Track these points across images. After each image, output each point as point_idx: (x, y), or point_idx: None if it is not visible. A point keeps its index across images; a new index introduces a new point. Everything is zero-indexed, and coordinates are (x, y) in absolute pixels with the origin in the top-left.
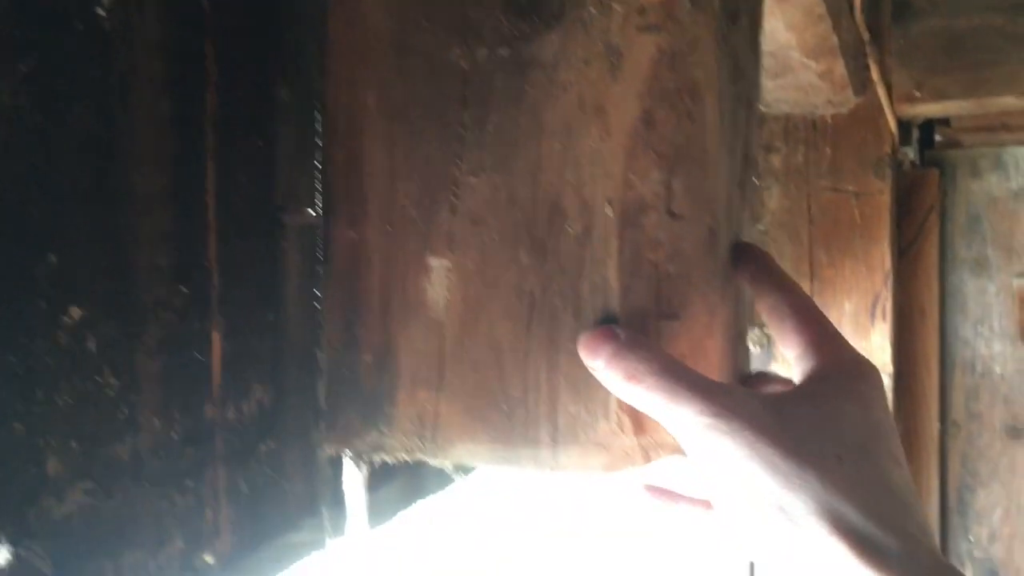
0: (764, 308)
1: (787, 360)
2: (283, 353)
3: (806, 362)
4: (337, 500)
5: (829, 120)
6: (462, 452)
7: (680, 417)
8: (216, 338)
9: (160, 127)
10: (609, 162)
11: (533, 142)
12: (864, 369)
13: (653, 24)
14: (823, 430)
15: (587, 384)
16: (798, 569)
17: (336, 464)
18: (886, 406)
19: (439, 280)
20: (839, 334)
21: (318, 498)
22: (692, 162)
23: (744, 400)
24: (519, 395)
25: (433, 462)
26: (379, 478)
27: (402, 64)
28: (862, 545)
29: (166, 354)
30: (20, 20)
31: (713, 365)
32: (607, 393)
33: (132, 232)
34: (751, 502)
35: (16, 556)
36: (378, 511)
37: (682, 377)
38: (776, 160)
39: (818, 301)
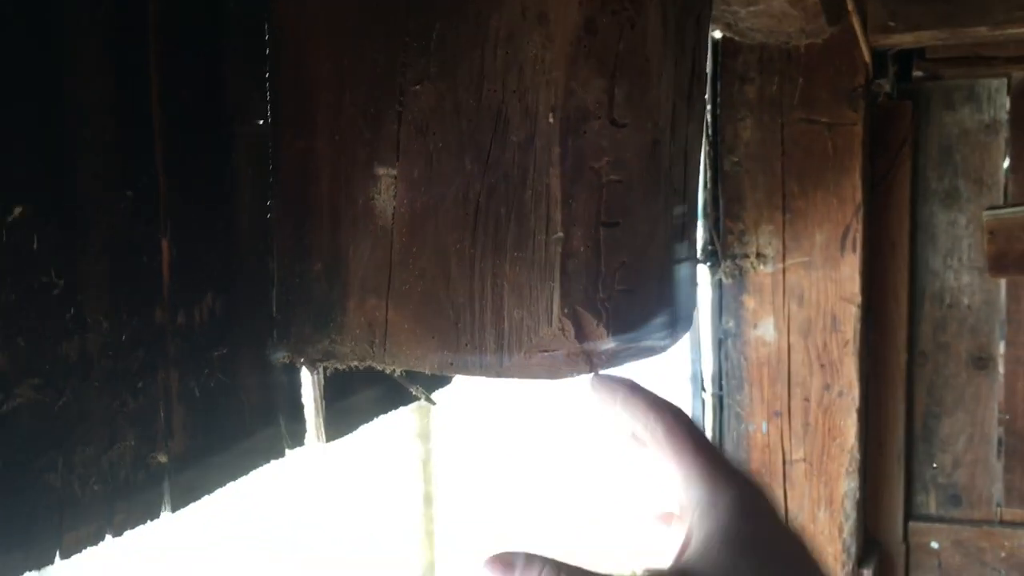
0: (639, 430)
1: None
2: (236, 262)
3: (696, 497)
4: (295, 410)
5: (803, 50)
6: (411, 358)
7: None
8: (165, 245)
9: (99, 37)
10: (552, 70)
11: (477, 50)
12: (759, 493)
13: None
14: None
15: (531, 289)
16: None
17: (292, 373)
18: (775, 519)
19: (386, 189)
20: (722, 459)
21: (275, 407)
22: (634, 71)
23: None
24: (465, 301)
25: (383, 368)
26: (338, 390)
27: None
28: None
29: (111, 257)
30: None
31: (653, 271)
32: (550, 297)
33: (72, 138)
34: None
35: None
36: (337, 424)
37: None
38: (750, 91)
39: (790, 232)
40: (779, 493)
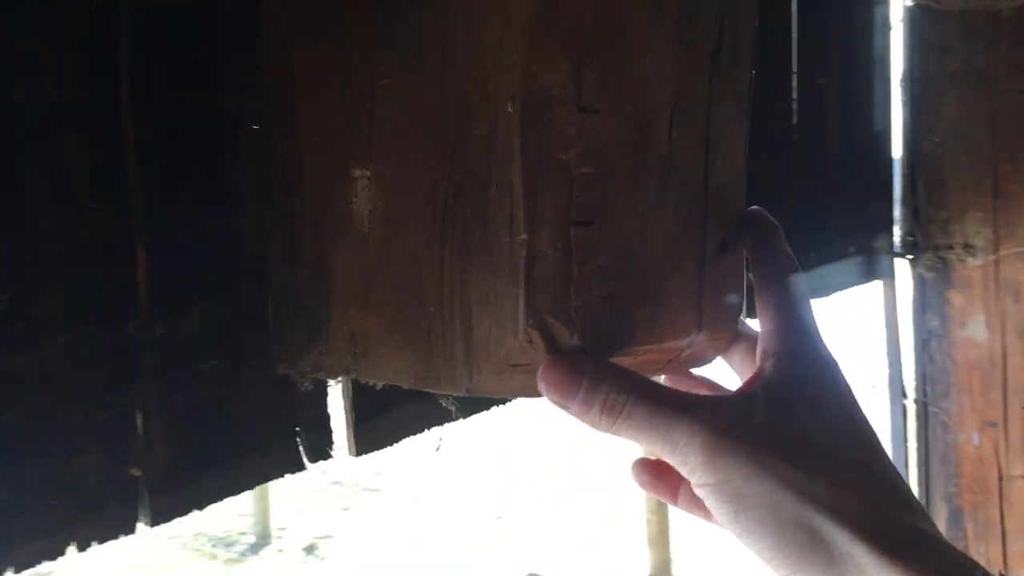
0: (754, 280)
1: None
2: (231, 271)
3: (777, 350)
4: (316, 423)
5: (1009, 14)
6: (389, 371)
7: (673, 443)
8: (140, 255)
9: (59, 37)
10: (511, 54)
11: (439, 39)
12: (834, 370)
13: None
14: (816, 436)
15: (497, 297)
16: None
17: (318, 386)
18: (858, 403)
19: (363, 191)
20: (815, 329)
21: (283, 419)
22: (608, 48)
23: (733, 411)
24: (436, 310)
25: (365, 381)
26: (370, 406)
27: None
28: (888, 551)
29: (71, 270)
30: None
31: (647, 273)
32: (515, 305)
33: (23, 148)
34: (769, 519)
35: None
36: (371, 437)
37: (663, 401)
38: (953, 62)
39: (1002, 219)
40: (994, 513)
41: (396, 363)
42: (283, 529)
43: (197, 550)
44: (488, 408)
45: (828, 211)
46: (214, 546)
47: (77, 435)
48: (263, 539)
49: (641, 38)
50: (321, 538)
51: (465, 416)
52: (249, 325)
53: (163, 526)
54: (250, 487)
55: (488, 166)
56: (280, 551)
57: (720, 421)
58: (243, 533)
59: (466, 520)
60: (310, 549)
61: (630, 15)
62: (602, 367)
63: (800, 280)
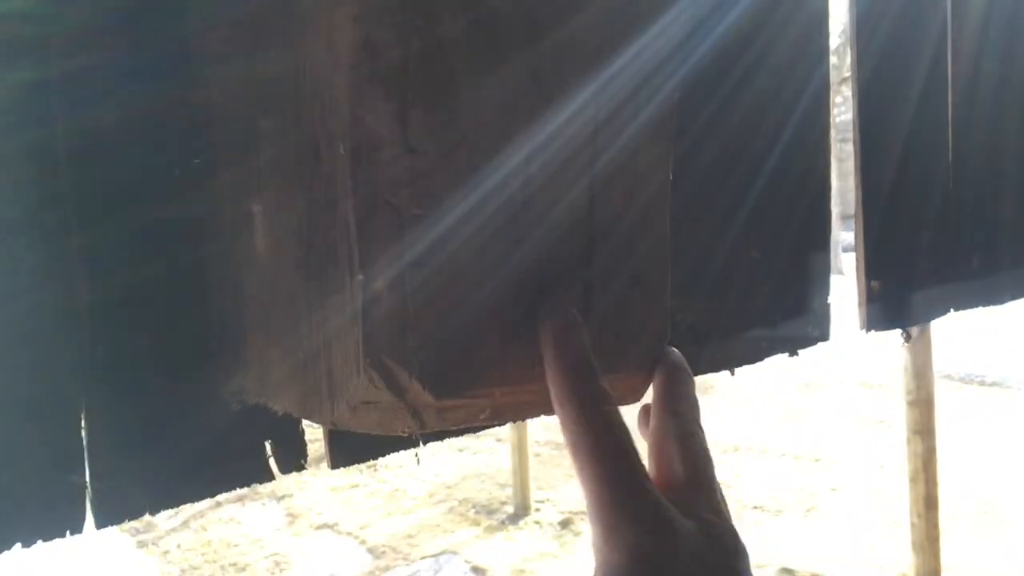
0: (651, 430)
1: None
2: (181, 305)
3: (596, 534)
4: (284, 438)
5: None
6: (285, 399)
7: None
8: (83, 287)
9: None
10: (340, 96)
11: (292, 80)
12: (666, 540)
13: None
14: None
15: (345, 334)
16: None
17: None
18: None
19: (258, 226)
20: (719, 493)
21: (241, 433)
22: (433, 90)
23: None
24: (308, 344)
25: (275, 409)
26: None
27: None
28: None
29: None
30: None
31: (483, 318)
32: (356, 346)
33: None
34: None
35: None
36: (342, 453)
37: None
38: None
39: None
40: None
41: (288, 392)
42: (542, 502)
43: (462, 515)
44: (442, 438)
45: None
46: (477, 513)
47: (17, 444)
48: (522, 510)
49: (468, 77)
50: (577, 513)
51: (424, 442)
52: (198, 345)
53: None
54: (211, 495)
55: (333, 206)
56: (537, 523)
57: None
58: (504, 503)
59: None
60: (565, 523)
61: (450, 54)
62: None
63: (673, 398)
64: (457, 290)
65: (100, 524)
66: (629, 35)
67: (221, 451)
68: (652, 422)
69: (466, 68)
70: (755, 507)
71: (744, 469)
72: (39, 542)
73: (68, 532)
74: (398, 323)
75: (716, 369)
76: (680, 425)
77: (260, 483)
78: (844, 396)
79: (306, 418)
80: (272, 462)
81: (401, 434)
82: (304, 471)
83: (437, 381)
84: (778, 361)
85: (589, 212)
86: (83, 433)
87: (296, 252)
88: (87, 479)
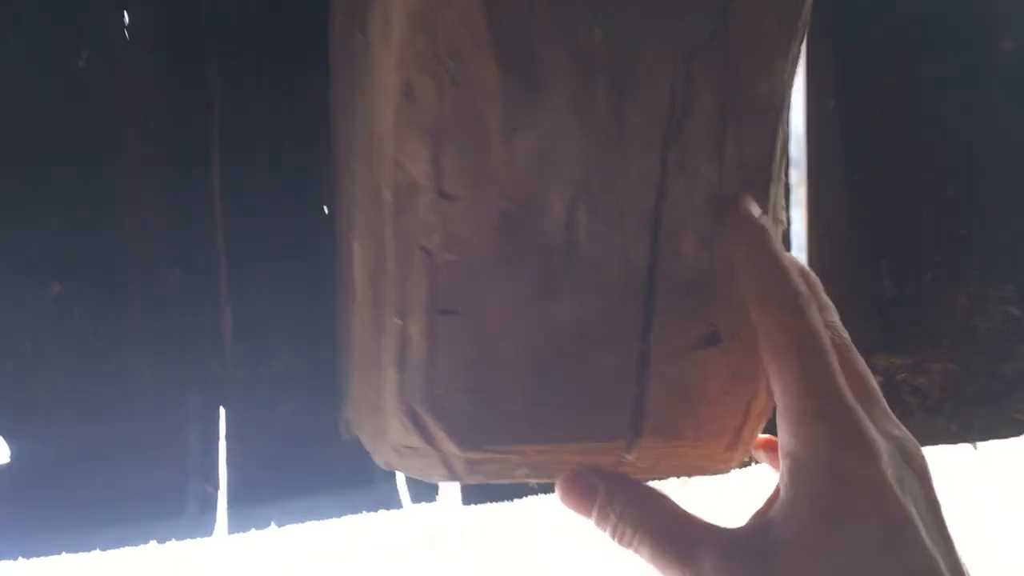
0: (752, 316)
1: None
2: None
3: (792, 449)
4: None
5: None
6: (366, 437)
7: None
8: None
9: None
10: (387, 143)
11: (365, 128)
12: (880, 469)
13: None
14: None
15: (388, 379)
16: None
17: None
18: (915, 521)
19: (356, 262)
20: (832, 390)
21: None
22: (465, 136)
23: (743, 559)
24: (365, 383)
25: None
26: None
27: None
28: None
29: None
30: None
31: (512, 371)
32: (392, 392)
33: (114, 224)
34: None
35: None
36: (472, 492)
37: (670, 542)
38: None
39: None
40: None
41: (365, 428)
42: None
43: None
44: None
45: None
46: None
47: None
48: None
49: (499, 123)
50: None
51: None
52: (323, 373)
53: None
54: (337, 515)
55: (382, 250)
56: None
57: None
58: None
59: None
60: None
61: (483, 101)
62: (614, 490)
63: (821, 307)
64: (484, 340)
65: (232, 531)
66: None
67: (350, 476)
68: (750, 300)
69: (502, 113)
70: None
71: None
72: (172, 541)
73: (199, 535)
74: (426, 370)
75: (954, 441)
76: (835, 338)
77: (388, 510)
78: None
79: (373, 456)
80: (402, 492)
81: (440, 480)
82: (434, 502)
83: (460, 432)
84: None
85: (649, 266)
86: (222, 448)
87: (371, 292)
88: (221, 489)
